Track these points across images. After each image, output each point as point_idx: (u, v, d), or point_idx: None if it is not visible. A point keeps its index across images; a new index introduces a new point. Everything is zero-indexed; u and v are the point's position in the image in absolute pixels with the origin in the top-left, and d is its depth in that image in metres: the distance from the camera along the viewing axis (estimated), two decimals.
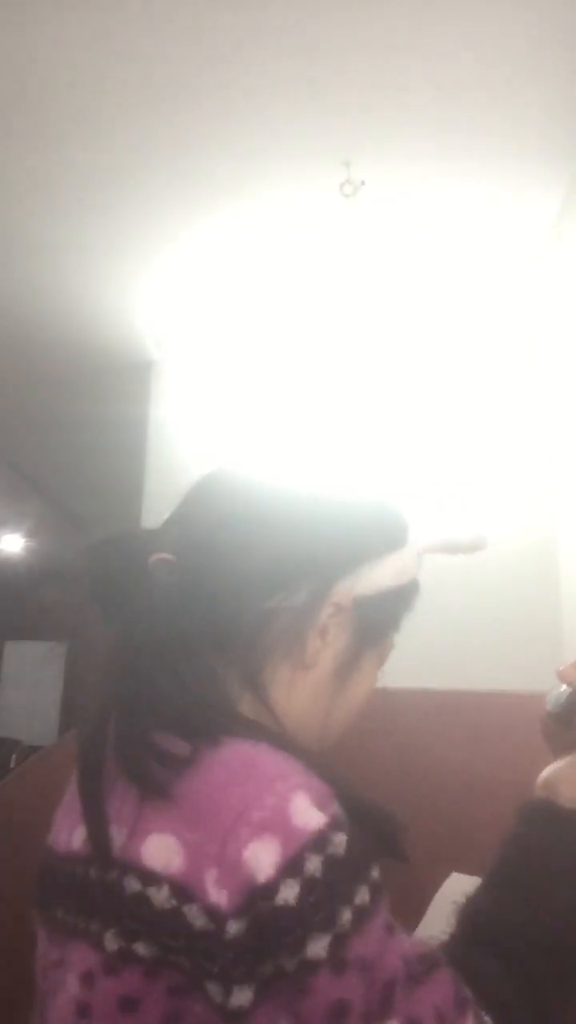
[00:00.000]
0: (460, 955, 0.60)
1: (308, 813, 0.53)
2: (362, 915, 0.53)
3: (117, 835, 0.56)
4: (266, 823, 0.52)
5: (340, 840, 0.53)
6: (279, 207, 2.57)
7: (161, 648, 0.62)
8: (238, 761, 0.56)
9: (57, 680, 6.80)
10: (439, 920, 0.91)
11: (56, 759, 1.04)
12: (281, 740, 0.60)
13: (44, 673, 6.83)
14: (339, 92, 2.15)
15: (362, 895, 0.53)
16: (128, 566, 0.66)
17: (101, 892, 0.55)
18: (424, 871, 0.97)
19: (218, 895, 0.51)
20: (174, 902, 0.52)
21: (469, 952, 0.61)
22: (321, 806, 0.54)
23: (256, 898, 0.50)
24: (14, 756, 5.39)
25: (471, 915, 0.64)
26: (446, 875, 0.97)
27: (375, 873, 0.55)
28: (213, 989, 0.51)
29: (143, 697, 0.60)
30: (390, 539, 0.71)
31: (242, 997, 0.50)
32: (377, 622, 0.71)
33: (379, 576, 0.69)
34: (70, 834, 0.62)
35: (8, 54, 2.06)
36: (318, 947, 0.50)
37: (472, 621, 2.84)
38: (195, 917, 0.51)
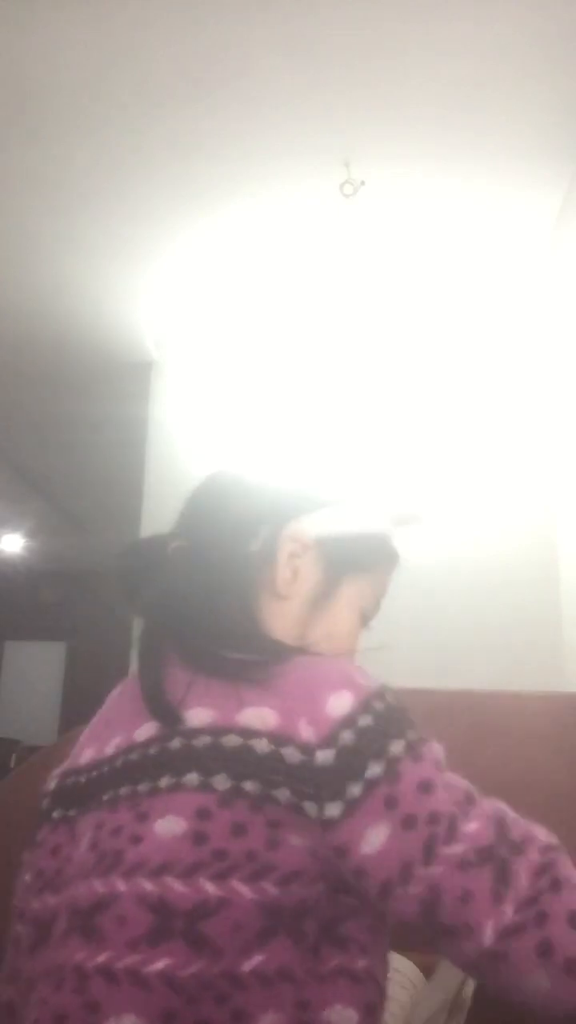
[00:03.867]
0: None
1: (367, 678, 0.70)
2: (422, 740, 0.68)
3: (201, 716, 0.69)
4: (340, 683, 0.68)
5: (390, 698, 0.69)
6: (279, 207, 2.57)
7: (196, 597, 0.79)
8: (308, 659, 0.73)
9: (57, 680, 6.80)
10: None
11: (56, 759, 1.04)
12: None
13: (44, 673, 6.84)
14: (339, 92, 2.15)
15: (413, 734, 0.68)
16: (153, 558, 0.84)
17: (192, 753, 0.67)
18: None
19: (308, 734, 0.65)
20: (273, 747, 0.65)
21: None
22: (371, 678, 0.70)
23: (340, 728, 0.65)
24: (14, 756, 5.39)
25: None
26: None
27: (427, 737, 0.70)
28: (310, 807, 0.63)
29: (197, 626, 0.78)
30: (323, 499, 0.90)
31: (334, 809, 0.63)
32: (340, 561, 0.89)
33: (329, 521, 0.89)
34: (105, 743, 0.76)
35: (8, 54, 2.06)
36: (398, 746, 0.66)
37: (472, 621, 2.84)
38: (291, 755, 0.65)
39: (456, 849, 0.63)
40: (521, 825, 0.68)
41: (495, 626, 2.83)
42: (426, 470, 3.03)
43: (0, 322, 3.29)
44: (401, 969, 1.03)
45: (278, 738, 0.66)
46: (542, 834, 0.68)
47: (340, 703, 0.67)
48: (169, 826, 0.65)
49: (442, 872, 0.62)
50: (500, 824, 0.66)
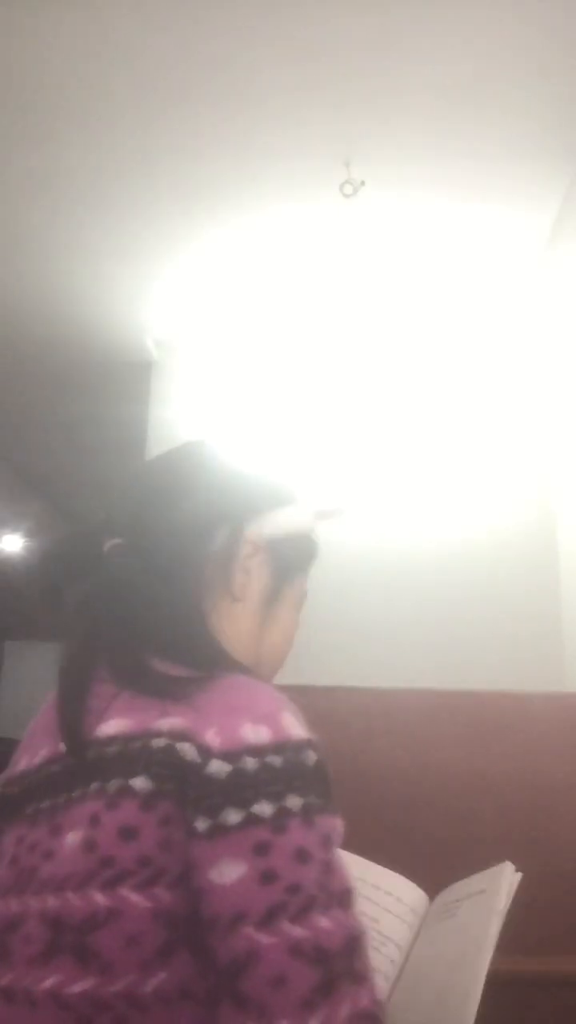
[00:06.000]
0: None
1: (294, 726, 0.65)
2: (327, 811, 0.62)
3: (118, 725, 0.66)
4: (264, 718, 0.64)
5: (312, 757, 0.64)
6: (279, 207, 2.57)
7: (137, 602, 0.75)
8: (243, 683, 0.69)
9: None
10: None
11: None
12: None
13: (44, 673, 6.83)
14: (339, 92, 2.15)
15: (323, 801, 0.63)
16: (86, 556, 0.79)
17: (102, 762, 0.65)
18: (425, 869, 0.97)
19: (212, 739, 0.62)
20: (169, 741, 0.63)
21: None
22: (303, 727, 0.66)
23: (246, 753, 0.61)
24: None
25: None
26: (446, 872, 0.97)
27: (333, 803, 0.64)
28: (188, 813, 0.60)
29: (131, 634, 0.74)
30: (280, 496, 0.89)
31: (203, 825, 0.59)
32: (288, 562, 0.88)
33: (280, 522, 0.87)
34: (35, 754, 0.73)
35: (8, 55, 2.06)
36: (295, 802, 0.61)
37: (472, 621, 2.84)
38: (186, 751, 0.62)
39: (297, 932, 0.57)
40: (368, 966, 0.60)
41: (495, 626, 2.83)
42: (426, 470, 3.03)
43: (0, 322, 3.29)
44: (397, 894, 0.96)
45: (179, 734, 0.63)
46: (373, 993, 0.59)
47: (255, 733, 0.63)
48: (72, 838, 0.63)
49: (272, 944, 0.56)
50: (352, 943, 0.59)
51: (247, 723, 0.63)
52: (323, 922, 0.58)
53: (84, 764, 0.66)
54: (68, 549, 0.81)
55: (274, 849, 0.59)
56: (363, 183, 2.38)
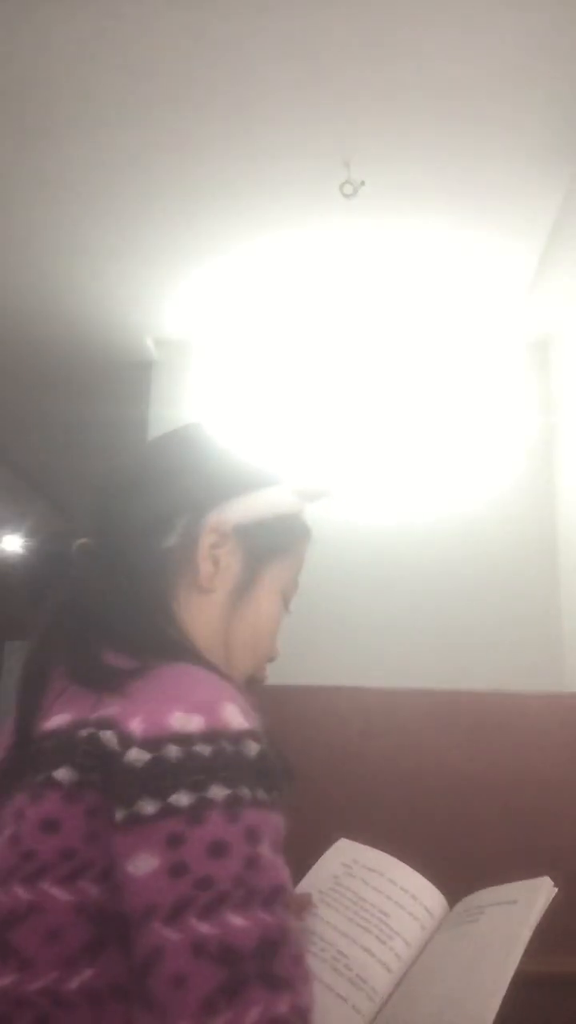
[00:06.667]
0: None
1: (234, 716, 0.62)
2: (260, 805, 0.59)
3: (58, 720, 0.65)
4: (198, 707, 0.61)
5: (253, 747, 0.61)
6: (279, 207, 2.57)
7: (99, 599, 0.75)
8: (185, 672, 0.67)
9: None
10: (321, 880, 0.96)
11: None
12: (214, 667, 0.72)
13: None
14: (339, 92, 2.15)
15: (261, 795, 0.59)
16: (56, 558, 0.78)
17: (39, 756, 0.63)
18: (425, 868, 0.97)
19: (135, 727, 0.60)
20: (92, 730, 0.61)
21: None
22: (246, 717, 0.63)
23: (170, 740, 0.59)
24: None
25: None
26: (446, 872, 0.98)
27: (276, 795, 0.61)
28: (111, 803, 0.58)
29: (91, 630, 0.73)
30: (251, 480, 0.86)
31: (120, 815, 0.57)
32: (263, 547, 0.85)
33: (251, 507, 0.84)
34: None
35: (8, 54, 2.06)
36: (219, 792, 0.57)
37: (472, 621, 2.84)
38: (108, 740, 0.60)
39: (203, 929, 0.53)
40: (293, 970, 0.55)
41: (495, 626, 2.83)
42: (426, 469, 3.03)
43: (0, 322, 3.29)
44: (413, 891, 0.94)
45: (102, 723, 0.62)
46: (297, 999, 0.54)
47: (185, 721, 0.60)
48: (5, 833, 0.62)
49: (175, 941, 0.53)
50: (271, 944, 0.54)
51: (177, 711, 0.60)
52: (235, 920, 0.54)
53: (24, 759, 0.65)
54: (43, 550, 0.81)
55: (188, 841, 0.56)
56: (363, 183, 2.38)
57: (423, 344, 3.16)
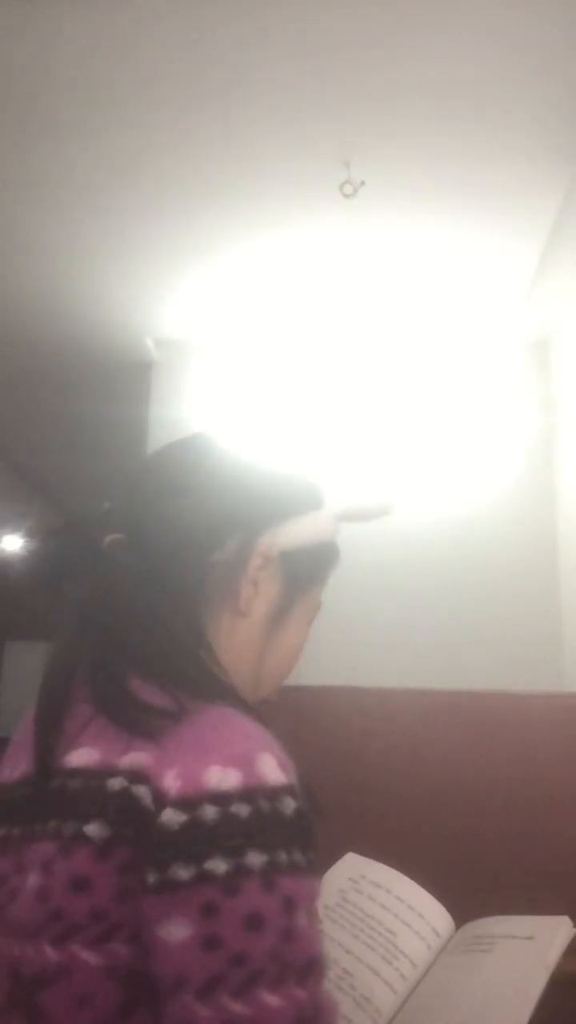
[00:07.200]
0: None
1: (271, 769, 0.58)
2: (296, 871, 0.56)
3: (86, 756, 0.61)
4: (234, 760, 0.57)
5: (291, 804, 0.58)
6: (279, 206, 2.57)
7: (129, 611, 0.69)
8: (221, 718, 0.62)
9: None
10: (327, 895, 0.94)
11: None
12: (248, 707, 0.68)
13: None
14: (339, 92, 2.15)
15: (298, 858, 0.56)
16: (84, 549, 0.73)
17: (63, 796, 0.60)
18: (425, 870, 0.97)
19: (171, 784, 0.56)
20: (125, 783, 0.58)
21: None
22: (284, 771, 0.59)
23: (207, 800, 0.55)
24: None
25: None
26: (447, 873, 0.97)
27: (312, 856, 0.58)
28: (144, 861, 0.55)
29: (117, 649, 0.68)
30: (302, 502, 0.80)
31: (152, 877, 0.54)
32: (302, 574, 0.80)
33: (299, 532, 0.79)
34: (15, 768, 0.69)
35: (8, 54, 2.06)
36: (257, 859, 0.54)
37: (472, 621, 2.84)
38: (143, 796, 0.57)
39: (236, 1008, 0.52)
40: None
41: (495, 627, 2.83)
42: (426, 470, 3.03)
43: (0, 322, 3.29)
44: (421, 910, 0.93)
45: (137, 775, 0.58)
46: None
47: (222, 777, 0.56)
48: (31, 882, 0.59)
49: (207, 1018, 0.52)
50: (305, 1022, 0.53)
51: (214, 765, 0.57)
52: (269, 999, 0.52)
53: (49, 794, 0.61)
54: (66, 541, 0.75)
55: (223, 912, 0.53)
56: (363, 183, 2.38)
57: (423, 344, 3.16)
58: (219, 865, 0.54)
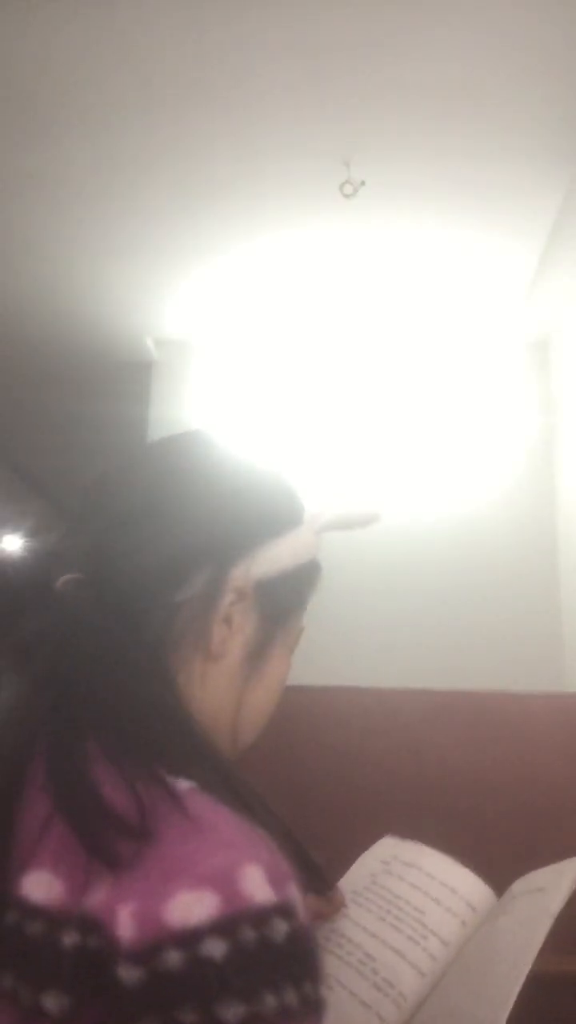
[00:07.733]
0: None
1: (258, 886, 0.48)
2: (287, 1014, 0.46)
3: (46, 888, 0.50)
4: (210, 879, 0.47)
5: (282, 928, 0.47)
6: (279, 206, 2.57)
7: (88, 668, 0.59)
8: (192, 824, 0.51)
9: None
10: (358, 879, 0.90)
11: None
12: (234, 777, 0.58)
13: None
14: (339, 92, 2.15)
15: (290, 996, 0.46)
16: (35, 589, 0.62)
17: (21, 941, 0.49)
18: None
19: (124, 928, 0.46)
20: (79, 939, 0.47)
21: None
22: (275, 885, 0.48)
23: (168, 943, 0.45)
24: None
25: None
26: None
27: (312, 989, 0.48)
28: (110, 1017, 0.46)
29: (75, 716, 0.57)
30: (282, 520, 0.71)
31: None
32: (282, 604, 0.70)
33: (276, 557, 0.69)
34: None
35: (9, 54, 2.06)
36: (230, 1012, 0.44)
37: (472, 621, 2.84)
38: (98, 950, 0.47)
39: None
40: None
41: (495, 626, 2.83)
42: (426, 469, 3.03)
43: (0, 322, 3.29)
44: (453, 884, 0.86)
45: (89, 924, 0.47)
46: None
47: (191, 908, 0.46)
48: None
49: None
50: None
51: (181, 892, 0.46)
52: None
53: (3, 934, 0.50)
54: (13, 578, 0.64)
55: None
56: (363, 183, 2.38)
57: (423, 344, 3.16)
58: (193, 1018, 0.44)
